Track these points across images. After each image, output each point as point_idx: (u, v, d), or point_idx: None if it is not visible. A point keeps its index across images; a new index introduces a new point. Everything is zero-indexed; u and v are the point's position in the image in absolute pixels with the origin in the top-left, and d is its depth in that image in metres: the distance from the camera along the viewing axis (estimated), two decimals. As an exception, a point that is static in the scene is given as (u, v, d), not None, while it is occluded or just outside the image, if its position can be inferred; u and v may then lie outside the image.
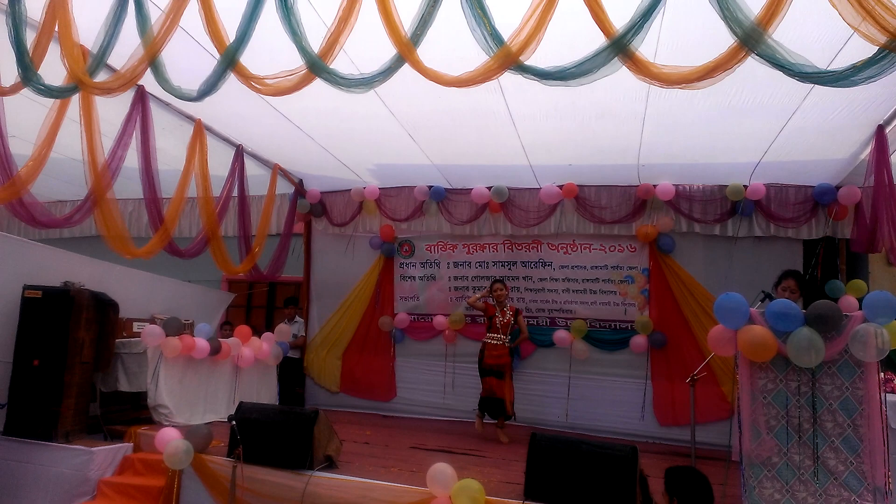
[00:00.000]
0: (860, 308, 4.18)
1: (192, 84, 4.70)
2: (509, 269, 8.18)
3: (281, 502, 4.62)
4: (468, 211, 8.21)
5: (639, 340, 7.52)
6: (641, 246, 7.70)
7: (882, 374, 4.17)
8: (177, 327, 6.39)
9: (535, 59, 3.95)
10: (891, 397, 4.33)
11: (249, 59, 4.46)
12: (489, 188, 7.98)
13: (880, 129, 5.49)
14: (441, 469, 4.32)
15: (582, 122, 5.94)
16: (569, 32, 3.87)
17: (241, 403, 5.20)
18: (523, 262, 8.15)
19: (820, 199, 6.99)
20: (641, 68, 3.85)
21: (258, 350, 7.42)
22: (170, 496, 5.00)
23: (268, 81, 4.51)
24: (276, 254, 8.42)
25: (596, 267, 7.86)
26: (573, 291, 7.93)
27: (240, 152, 7.38)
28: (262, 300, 10.71)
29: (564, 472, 4.14)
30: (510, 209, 8.05)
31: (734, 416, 4.40)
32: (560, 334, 7.77)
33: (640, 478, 4.11)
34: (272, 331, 8.22)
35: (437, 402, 8.17)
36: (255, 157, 7.77)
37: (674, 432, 6.83)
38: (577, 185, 7.72)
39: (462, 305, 8.26)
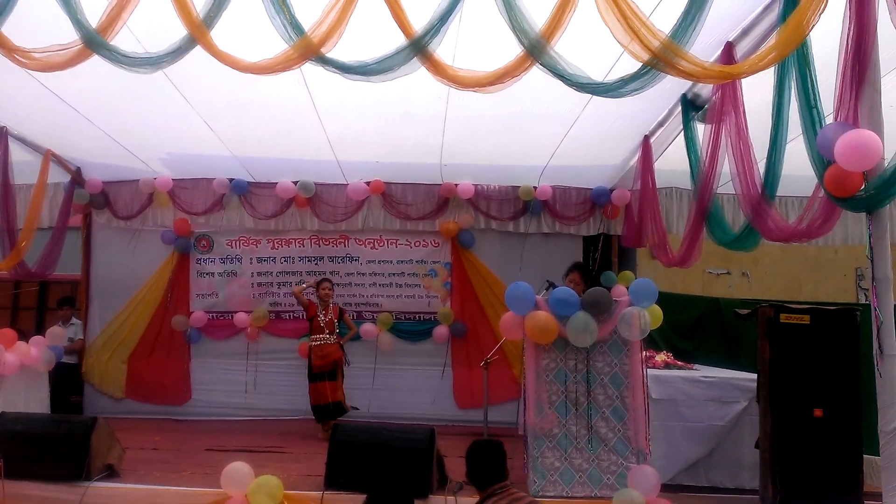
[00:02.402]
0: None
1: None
2: (316, 264, 8.09)
3: (53, 518, 4.17)
4: (273, 205, 7.98)
5: (441, 330, 7.87)
6: (444, 241, 8.05)
7: (644, 352, 4.76)
8: (-81, 332, 5.46)
9: (341, 54, 3.98)
10: (651, 371, 4.93)
11: (16, 31, 3.99)
12: (295, 182, 7.83)
13: (646, 139, 6.28)
14: (236, 468, 4.16)
15: (388, 121, 6.05)
16: (374, 30, 3.92)
17: (2, 414, 4.63)
18: (330, 258, 8.11)
19: (597, 200, 7.82)
20: (439, 70, 4.04)
21: (25, 356, 6.53)
22: (-88, 522, 4.27)
23: (35, 55, 4.06)
24: (47, 249, 7.52)
25: (402, 261, 8.07)
26: (380, 285, 8.06)
27: (3, 135, 6.49)
28: (32, 301, 9.53)
29: (366, 458, 4.22)
30: (317, 204, 7.97)
31: (522, 395, 4.76)
32: (366, 327, 7.86)
33: (437, 458, 4.31)
34: (43, 334, 7.31)
35: (238, 402, 7.83)
36: (22, 141, 6.84)
37: (471, 414, 7.17)
38: (384, 182, 7.86)
39: (266, 301, 8.02)
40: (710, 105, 4.82)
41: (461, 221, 7.91)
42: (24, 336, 6.90)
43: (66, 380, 7.66)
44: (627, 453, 4.46)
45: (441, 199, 7.91)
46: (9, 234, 6.77)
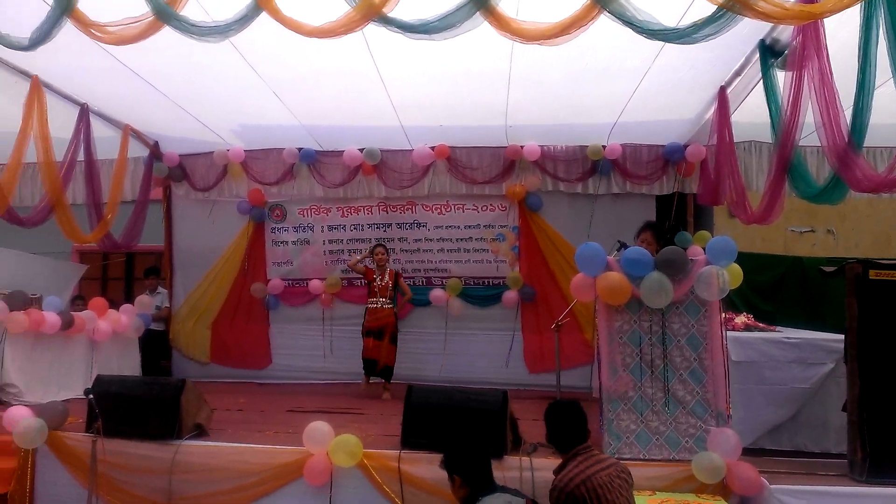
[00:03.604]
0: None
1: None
2: (384, 230, 8.17)
3: (148, 473, 4.42)
4: (341, 173, 8.06)
5: (510, 295, 7.82)
6: (511, 205, 7.94)
7: (724, 314, 4.59)
8: (22, 301, 5.88)
9: (403, 13, 3.95)
10: (731, 334, 4.76)
11: (92, 6, 4.16)
12: (361, 150, 7.87)
13: (722, 90, 5.95)
14: (318, 427, 4.31)
15: (451, 83, 5.99)
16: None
17: (98, 376, 4.92)
18: (398, 224, 8.16)
19: (670, 157, 7.51)
20: (502, 24, 3.95)
21: (116, 323, 6.97)
22: (24, 477, 4.63)
23: (110, 29, 4.21)
24: (131, 221, 7.86)
25: (469, 226, 8.02)
26: (448, 251, 8.07)
27: (85, 111, 6.78)
28: (120, 271, 10.06)
29: (440, 419, 4.27)
30: (383, 171, 8.00)
31: (595, 358, 4.70)
32: (436, 293, 7.92)
33: (510, 419, 4.32)
34: (132, 303, 7.73)
35: (317, 366, 8.07)
36: (103, 117, 7.16)
37: (542, 378, 7.18)
38: (449, 147, 7.80)
39: (338, 269, 8.18)
40: (791, 50, 4.52)
41: (528, 184, 7.79)
42: (114, 305, 7.34)
43: (155, 345, 8.11)
44: (707, 416, 4.33)
45: (507, 161, 7.79)
46: (95, 207, 7.12)
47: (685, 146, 7.38)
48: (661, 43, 4.69)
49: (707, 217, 8.06)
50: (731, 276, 4.38)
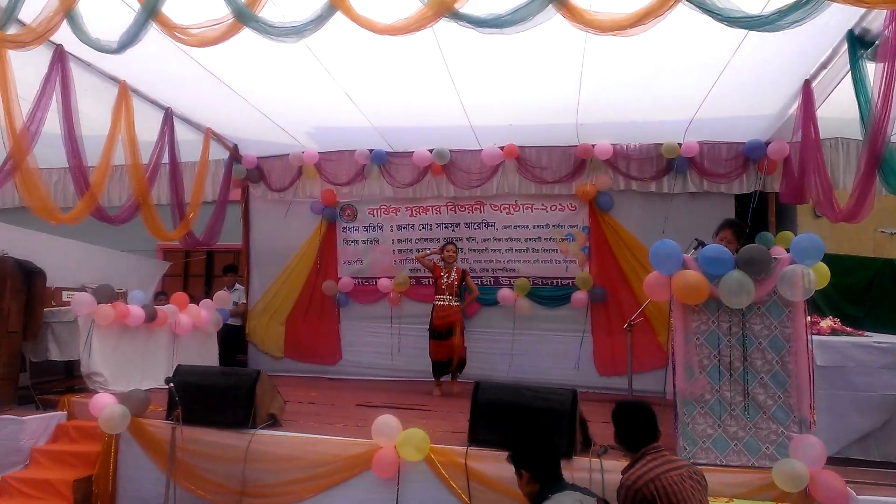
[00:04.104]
0: (789, 256, 4.35)
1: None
2: (453, 230, 8.19)
3: (224, 461, 4.58)
4: (410, 174, 8.15)
5: (580, 296, 7.69)
6: (581, 204, 7.81)
7: (808, 317, 4.36)
8: (108, 295, 6.19)
9: (475, 9, 3.95)
10: (816, 338, 4.53)
11: (174, 11, 4.35)
12: (431, 150, 7.93)
13: (807, 84, 5.66)
14: (386, 420, 4.36)
15: (522, 81, 5.95)
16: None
17: (179, 366, 5.13)
18: (466, 223, 8.17)
19: (750, 155, 7.20)
20: (576, 15, 3.89)
21: (196, 317, 7.26)
22: (107, 461, 4.90)
23: (192, 31, 4.39)
24: (212, 221, 8.18)
25: (538, 226, 7.94)
26: (516, 251, 8.01)
27: (169, 115, 7.09)
28: (200, 268, 10.47)
29: (507, 416, 4.23)
30: (452, 171, 8.03)
31: (670, 360, 4.55)
32: (504, 293, 7.87)
33: (580, 419, 4.23)
34: (211, 299, 8.04)
35: (385, 363, 8.18)
36: (185, 120, 7.48)
37: (613, 381, 7.02)
38: (518, 146, 7.75)
39: (406, 268, 8.26)
40: (882, 40, 4.25)
41: (599, 183, 7.63)
42: (194, 300, 7.65)
43: (232, 340, 8.42)
44: (789, 422, 4.12)
45: (577, 160, 7.67)
46: (178, 207, 7.46)
47: (767, 143, 7.08)
48: (742, 35, 4.54)
49: (789, 217, 7.68)
50: (817, 275, 4.16)
